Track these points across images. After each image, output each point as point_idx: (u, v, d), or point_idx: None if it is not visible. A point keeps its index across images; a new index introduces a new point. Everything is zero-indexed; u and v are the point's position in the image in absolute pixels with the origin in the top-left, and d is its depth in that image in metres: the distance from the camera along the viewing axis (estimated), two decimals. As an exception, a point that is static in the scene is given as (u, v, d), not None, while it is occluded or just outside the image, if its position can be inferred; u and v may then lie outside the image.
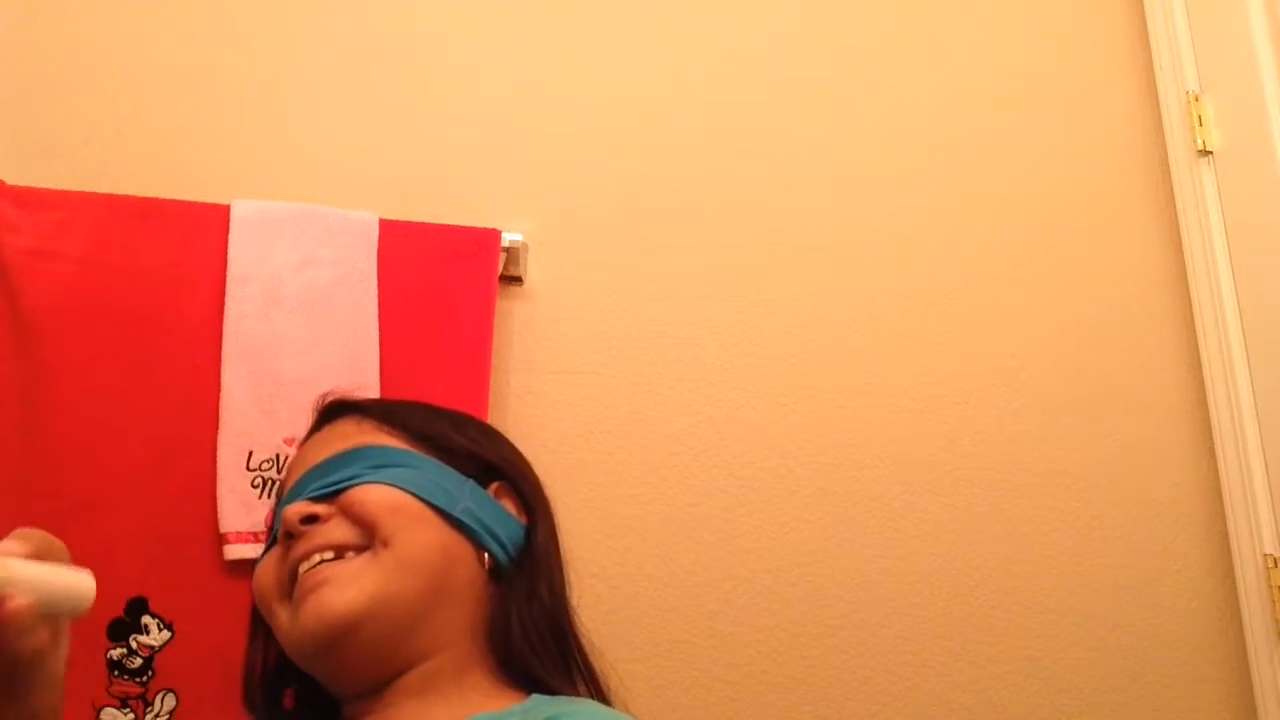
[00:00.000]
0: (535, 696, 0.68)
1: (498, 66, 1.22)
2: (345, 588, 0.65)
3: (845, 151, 1.28)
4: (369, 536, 0.68)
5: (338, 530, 0.68)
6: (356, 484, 0.69)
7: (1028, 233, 1.30)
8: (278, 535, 0.71)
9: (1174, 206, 1.32)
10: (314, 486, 0.71)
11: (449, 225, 1.10)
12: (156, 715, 0.92)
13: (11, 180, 1.00)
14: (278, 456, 0.98)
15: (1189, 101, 1.31)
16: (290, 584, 0.68)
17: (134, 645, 0.93)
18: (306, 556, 0.68)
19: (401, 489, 0.69)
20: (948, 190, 1.30)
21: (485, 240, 1.10)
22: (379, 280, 1.05)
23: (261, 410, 0.98)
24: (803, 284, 1.23)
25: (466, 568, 0.71)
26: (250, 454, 0.97)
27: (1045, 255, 1.30)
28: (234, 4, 1.18)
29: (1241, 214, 1.24)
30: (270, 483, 0.97)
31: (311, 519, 0.69)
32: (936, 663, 1.15)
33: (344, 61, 1.19)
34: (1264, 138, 1.20)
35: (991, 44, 1.36)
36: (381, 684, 0.68)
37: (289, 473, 0.79)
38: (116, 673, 0.92)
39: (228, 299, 1.00)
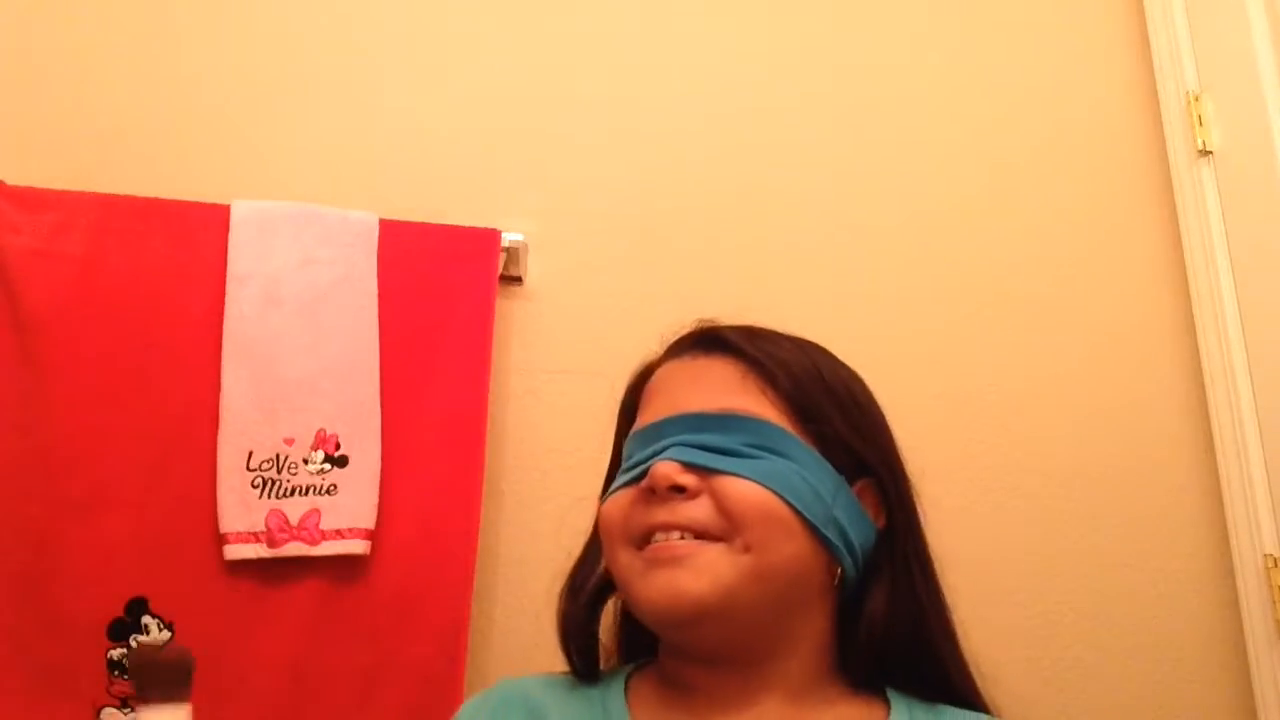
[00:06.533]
0: (896, 700, 0.69)
1: (498, 67, 1.22)
2: (701, 575, 0.64)
3: (844, 153, 1.28)
4: (732, 533, 0.66)
5: (700, 510, 0.67)
6: (733, 474, 0.67)
7: (1028, 233, 1.30)
8: (639, 478, 0.69)
9: (1174, 206, 1.32)
10: (685, 444, 0.68)
11: (449, 225, 1.10)
12: (156, 715, 0.92)
13: (11, 180, 1.00)
14: (278, 456, 0.98)
15: (1189, 101, 1.30)
16: (639, 538, 0.68)
17: (134, 645, 0.93)
18: (665, 529, 0.67)
19: (778, 495, 0.67)
20: (947, 192, 1.29)
21: (485, 240, 1.10)
22: (379, 280, 1.05)
23: (261, 410, 0.98)
24: (802, 284, 1.23)
25: (816, 578, 0.69)
26: (250, 454, 0.98)
27: (1045, 255, 1.30)
28: (233, 5, 1.18)
29: (1241, 214, 1.24)
30: (270, 483, 0.97)
31: (679, 489, 0.67)
32: (936, 663, 1.14)
33: (344, 62, 1.19)
34: (1264, 138, 1.20)
35: (991, 45, 1.36)
36: (724, 662, 0.68)
37: (654, 389, 0.75)
38: (116, 673, 0.92)
39: (228, 299, 1.00)
